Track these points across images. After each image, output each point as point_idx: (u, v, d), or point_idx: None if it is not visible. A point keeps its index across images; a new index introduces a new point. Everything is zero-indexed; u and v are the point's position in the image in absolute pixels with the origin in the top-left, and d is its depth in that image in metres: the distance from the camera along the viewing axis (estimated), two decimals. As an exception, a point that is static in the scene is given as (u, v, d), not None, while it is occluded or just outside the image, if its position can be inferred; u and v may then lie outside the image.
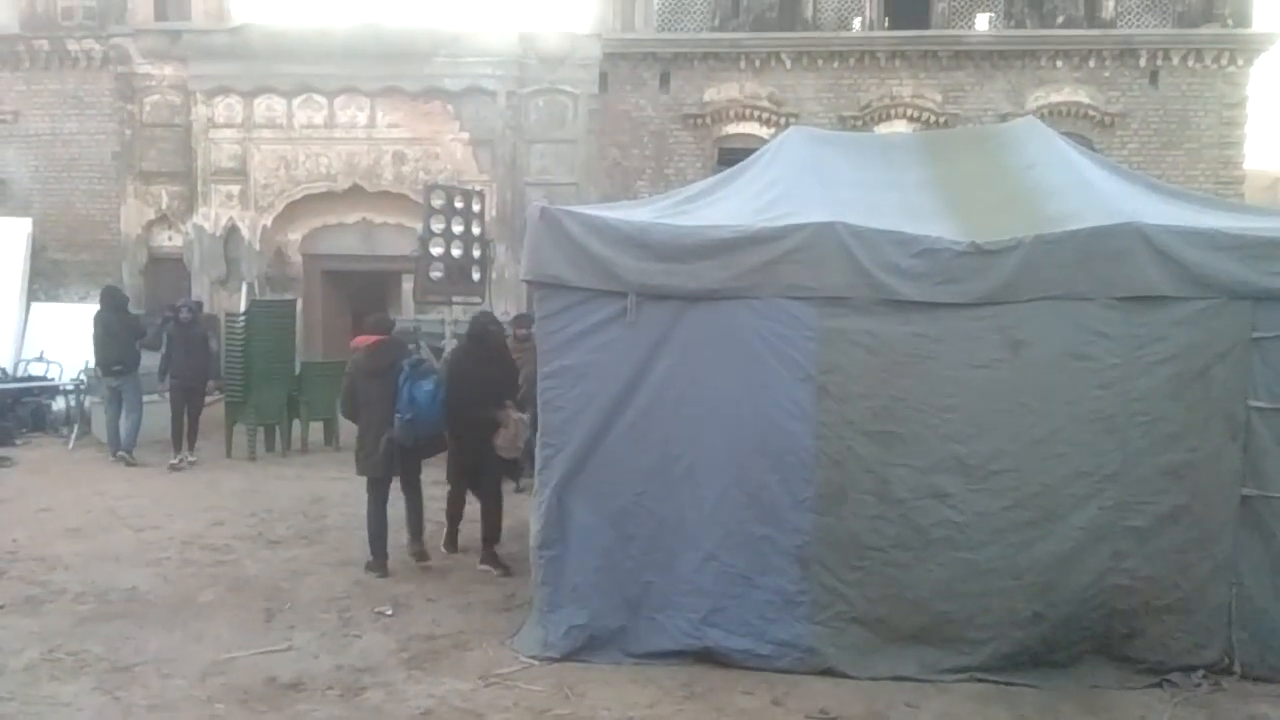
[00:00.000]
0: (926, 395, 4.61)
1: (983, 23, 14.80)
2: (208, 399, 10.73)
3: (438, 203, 10.21)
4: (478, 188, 12.55)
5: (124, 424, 10.17)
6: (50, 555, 6.61)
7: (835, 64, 14.73)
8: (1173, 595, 4.61)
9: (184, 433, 9.96)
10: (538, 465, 5.09)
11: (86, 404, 11.71)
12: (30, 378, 13.08)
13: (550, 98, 15.18)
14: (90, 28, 15.65)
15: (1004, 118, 13.50)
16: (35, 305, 15.19)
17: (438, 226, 10.10)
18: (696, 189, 6.09)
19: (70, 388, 12.23)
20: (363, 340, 6.66)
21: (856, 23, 14.96)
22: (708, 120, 14.93)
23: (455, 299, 10.72)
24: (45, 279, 15.61)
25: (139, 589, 5.92)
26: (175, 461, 9.74)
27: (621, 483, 4.88)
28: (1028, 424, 4.57)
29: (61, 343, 13.35)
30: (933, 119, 14.53)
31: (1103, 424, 4.55)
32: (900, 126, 14.47)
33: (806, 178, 5.47)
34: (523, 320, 8.56)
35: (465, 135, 15.18)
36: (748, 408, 4.78)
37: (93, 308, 13.22)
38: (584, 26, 15.23)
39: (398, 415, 6.22)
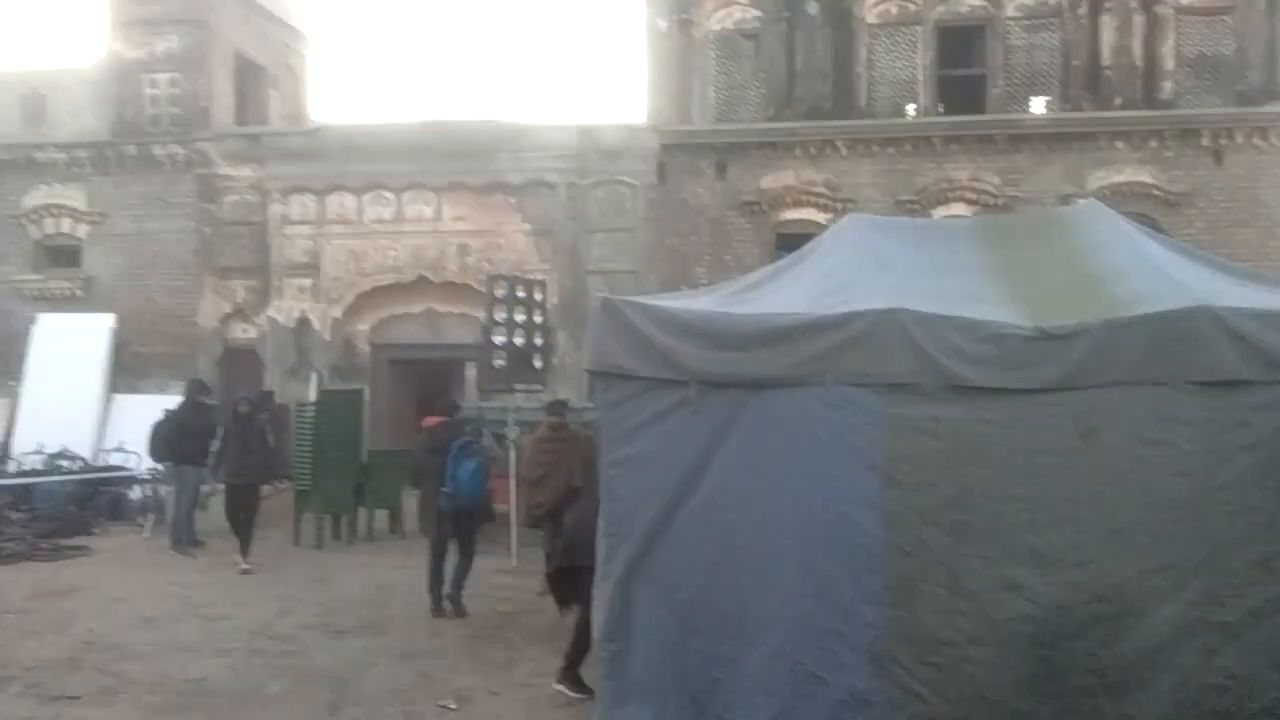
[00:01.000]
0: (997, 483, 4.50)
1: (1039, 106, 14.87)
2: (268, 492, 10.62)
3: (500, 292, 10.45)
4: (539, 277, 12.82)
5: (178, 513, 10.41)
6: (124, 645, 6.73)
7: (890, 150, 14.88)
8: (1270, 695, 4.35)
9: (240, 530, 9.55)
10: (601, 555, 5.07)
11: (162, 493, 12.02)
12: (109, 468, 13.51)
13: (609, 188, 15.56)
14: (175, 133, 16.57)
15: (1065, 199, 13.44)
16: (116, 397, 15.78)
17: (501, 316, 10.32)
18: (756, 277, 6.14)
19: (147, 478, 12.59)
20: (429, 421, 8.47)
21: (911, 109, 15.15)
22: (764, 207, 15.13)
23: (517, 387, 10.87)
24: (127, 372, 16.21)
25: (208, 680, 5.97)
26: (246, 567, 9.28)
27: (686, 574, 4.82)
28: (1104, 513, 4.42)
29: (140, 434, 13.82)
30: (991, 202, 14.52)
31: (1184, 513, 4.39)
32: (959, 210, 14.48)
33: (866, 264, 5.48)
34: (556, 409, 8.16)
35: (527, 226, 15.59)
36: (813, 497, 4.71)
37: (171, 399, 13.72)
38: (641, 119, 15.67)
39: (443, 488, 7.54)
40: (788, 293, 5.47)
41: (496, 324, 10.21)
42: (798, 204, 15.11)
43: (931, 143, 14.78)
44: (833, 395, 4.71)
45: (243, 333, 16.51)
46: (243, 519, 9.41)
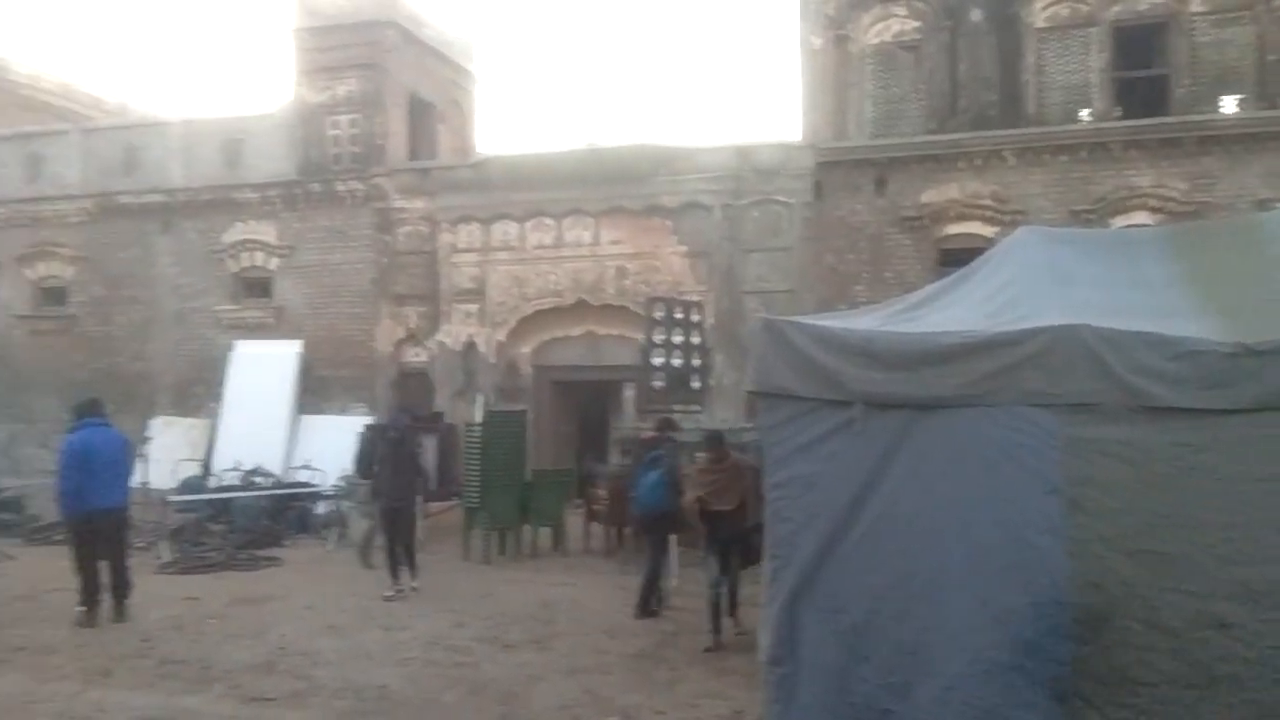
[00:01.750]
0: (1197, 511, 4.18)
1: (1230, 105, 13.80)
2: (428, 511, 10.81)
3: (659, 314, 10.60)
4: (696, 298, 12.90)
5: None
6: (313, 651, 7.16)
7: (1063, 158, 14.15)
8: None
9: (397, 559, 9.24)
10: (766, 578, 5.02)
11: (344, 509, 12.75)
12: (297, 484, 14.45)
13: (765, 208, 15.50)
14: (354, 170, 17.66)
15: (1262, 204, 12.42)
16: (303, 418, 16.91)
17: (659, 337, 10.46)
18: (921, 295, 5.97)
19: (331, 494, 13.39)
20: (646, 435, 9.43)
21: (1084, 114, 14.37)
22: (926, 222, 14.69)
23: (675, 407, 10.96)
24: (312, 394, 17.33)
25: (389, 688, 6.27)
26: (390, 594, 8.99)
27: (854, 599, 4.72)
28: (1323, 545, 4.04)
29: (324, 452, 14.76)
30: (1178, 209, 13.56)
31: None
32: (1141, 219, 13.60)
33: (1041, 278, 5.24)
34: (714, 441, 7.65)
35: (683, 248, 15.73)
36: (988, 522, 4.52)
37: (353, 420, 14.56)
38: (797, 138, 15.55)
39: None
40: (956, 310, 5.29)
41: (655, 345, 10.36)
42: (962, 218, 14.58)
43: (1109, 148, 13.96)
44: (1008, 416, 4.52)
45: (415, 356, 17.36)
46: (401, 542, 9.26)
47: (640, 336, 12.60)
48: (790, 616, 4.84)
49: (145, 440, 12.22)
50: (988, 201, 14.42)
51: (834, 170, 15.15)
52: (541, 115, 54.12)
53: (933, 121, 14.97)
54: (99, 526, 8.14)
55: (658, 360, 10.39)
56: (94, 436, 8.30)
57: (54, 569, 10.05)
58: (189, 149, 18.60)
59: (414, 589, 9.19)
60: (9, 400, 18.94)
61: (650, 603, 8.32)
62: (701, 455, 7.80)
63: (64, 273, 19.09)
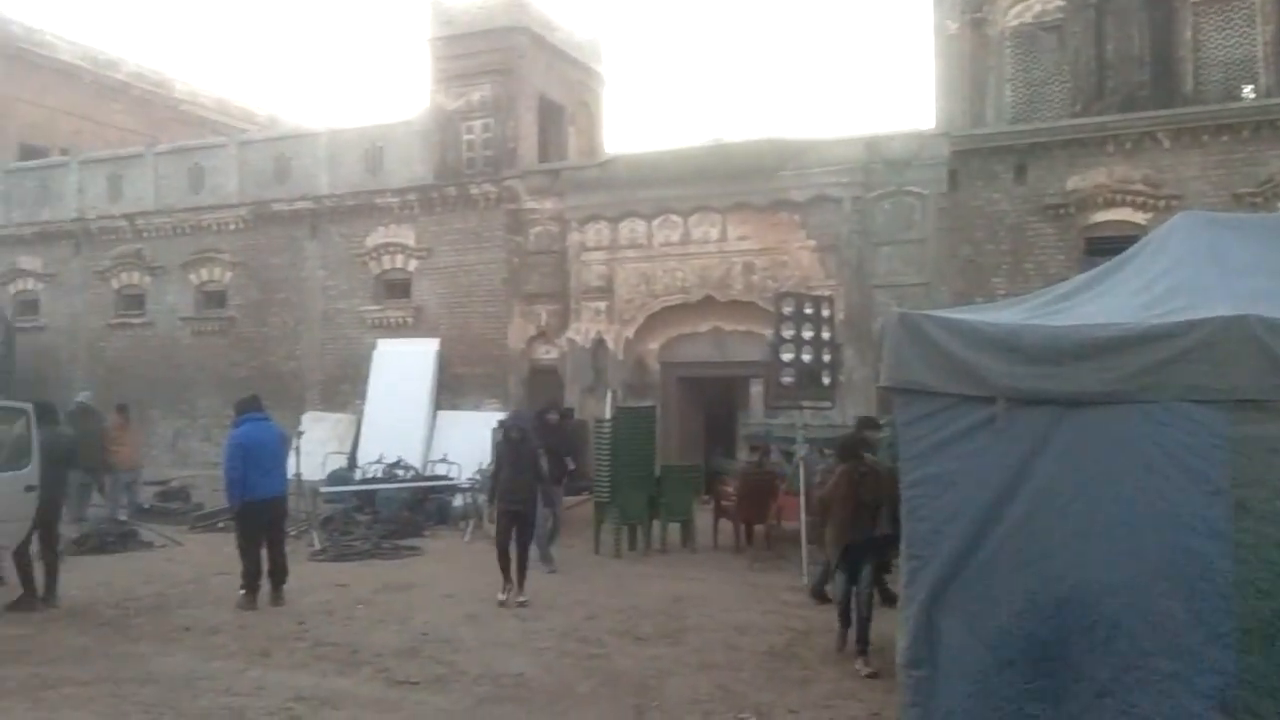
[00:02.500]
0: (1383, 515, 3.86)
1: None
2: (546, 515, 10.07)
3: (788, 310, 10.46)
4: (825, 293, 12.70)
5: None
6: (454, 638, 7.42)
7: (1224, 138, 13.25)
8: None
9: (510, 563, 8.77)
10: (903, 578, 4.91)
11: (480, 501, 13.14)
12: (435, 477, 14.99)
13: (897, 200, 15.12)
14: (487, 173, 18.17)
15: None
16: (440, 413, 17.53)
17: (788, 333, 10.32)
18: (1067, 286, 5.72)
19: (467, 486, 13.83)
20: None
21: (1248, 90, 13.41)
22: (1071, 210, 14.01)
23: (804, 403, 10.82)
24: (449, 390, 17.94)
25: (525, 675, 6.44)
26: (503, 598, 8.62)
27: (997, 601, 4.56)
28: None
29: (461, 446, 15.27)
30: (1359, 190, 12.51)
31: None
32: (1314, 201, 12.62)
33: (1203, 267, 4.93)
34: (852, 448, 7.19)
35: (812, 243, 15.51)
36: (1144, 524, 4.29)
37: (487, 416, 15.00)
38: (930, 126, 15.10)
39: None
40: (1108, 301, 5.05)
41: (784, 341, 10.22)
42: (1111, 204, 13.85)
43: (1276, 126, 13.00)
44: (1167, 413, 4.28)
45: (546, 354, 17.73)
46: (517, 546, 8.74)
47: (768, 332, 12.48)
48: (929, 618, 4.72)
49: (299, 434, 12.90)
50: (1139, 186, 13.64)
51: (970, 159, 14.63)
52: (668, 112, 54.31)
53: (1077, 104, 14.28)
54: (261, 514, 8.68)
55: (787, 356, 10.24)
56: (255, 430, 8.85)
57: (217, 554, 10.78)
58: (334, 157, 19.54)
59: (520, 603, 8.51)
60: (175, 397, 20.35)
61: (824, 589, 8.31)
62: (843, 466, 7.18)
63: (223, 277, 20.37)
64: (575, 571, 10.11)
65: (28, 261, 22.05)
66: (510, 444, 9.03)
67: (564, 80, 19.69)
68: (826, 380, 10.53)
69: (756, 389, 16.02)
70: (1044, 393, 4.53)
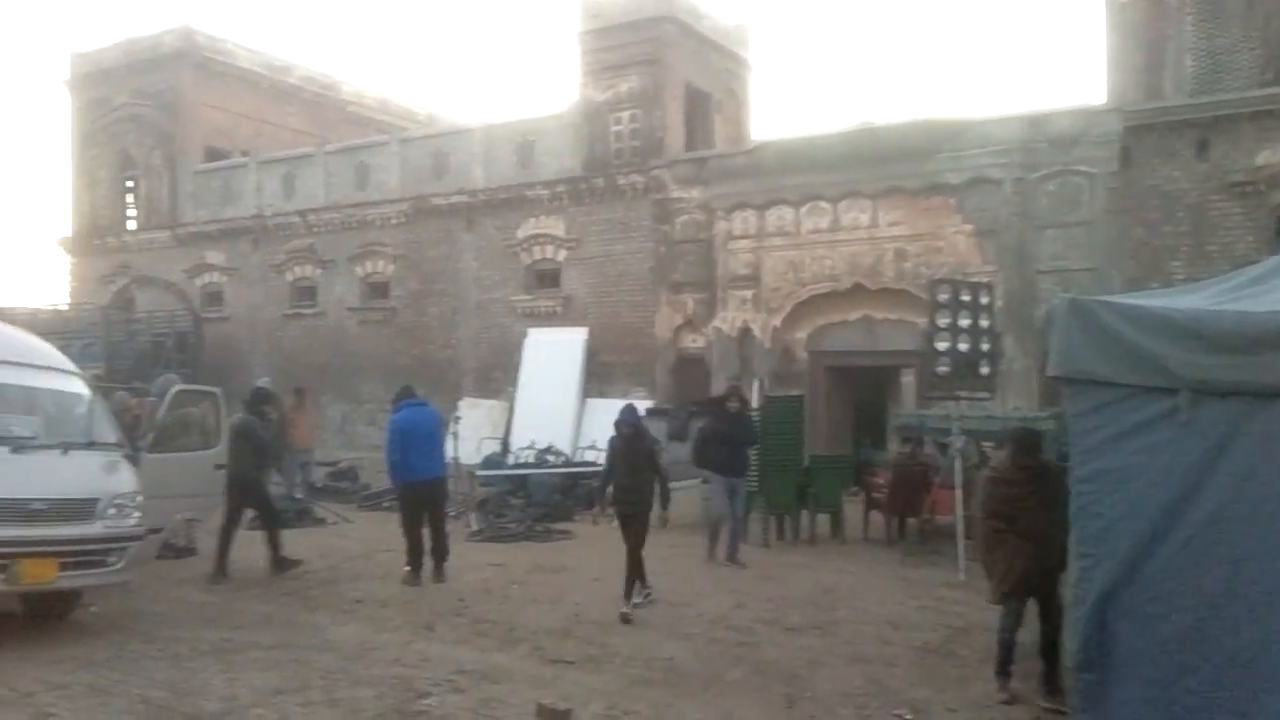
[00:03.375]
0: None
1: None
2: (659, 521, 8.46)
3: (943, 297, 10.09)
4: (984, 279, 12.22)
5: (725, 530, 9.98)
6: (604, 620, 7.57)
7: None
8: None
9: (634, 569, 7.93)
10: (1073, 577, 4.68)
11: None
12: (584, 463, 15.30)
13: (1062, 180, 14.37)
14: (635, 163, 18.37)
15: None
16: (588, 401, 17.88)
17: (943, 321, 9.96)
18: (1260, 269, 5.28)
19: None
20: None
21: None
22: (1261, 187, 12.96)
23: (960, 394, 10.43)
24: (596, 378, 18.29)
25: (675, 660, 6.51)
26: (626, 610, 7.63)
27: (1178, 604, 4.28)
28: None
29: (609, 433, 15.44)
30: None
31: None
32: None
33: None
34: (1024, 443, 5.93)
35: (968, 227, 14.94)
36: (1351, 528, 3.94)
37: (633, 403, 15.09)
38: (1100, 101, 14.25)
39: None
40: (1307, 284, 4.64)
41: (939, 329, 9.87)
42: (1306, 180, 12.73)
43: None
44: (1378, 406, 3.90)
45: (692, 342, 17.81)
46: (628, 553, 7.93)
47: (921, 321, 12.12)
48: (1101, 619, 4.48)
49: (456, 420, 13.43)
50: (1341, 160, 12.49)
51: (1145, 134, 13.74)
52: (816, 97, 53.30)
53: (1269, 72, 13.16)
54: (421, 495, 9.10)
55: (942, 345, 9.89)
56: (412, 415, 9.29)
57: (383, 532, 11.36)
58: (488, 151, 20.20)
59: (637, 604, 7.81)
60: (342, 383, 21.57)
61: None
62: (1001, 455, 6.43)
63: (386, 269, 21.42)
64: (723, 560, 10.12)
65: (213, 256, 23.82)
66: (624, 440, 8.13)
67: (711, 68, 19.66)
68: (985, 370, 10.11)
69: (908, 379, 15.60)
70: (1234, 383, 4.22)
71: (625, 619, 7.42)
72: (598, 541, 11.45)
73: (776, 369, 16.73)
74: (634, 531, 7.95)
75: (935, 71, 51.31)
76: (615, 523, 12.50)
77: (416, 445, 9.13)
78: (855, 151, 15.68)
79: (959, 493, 9.58)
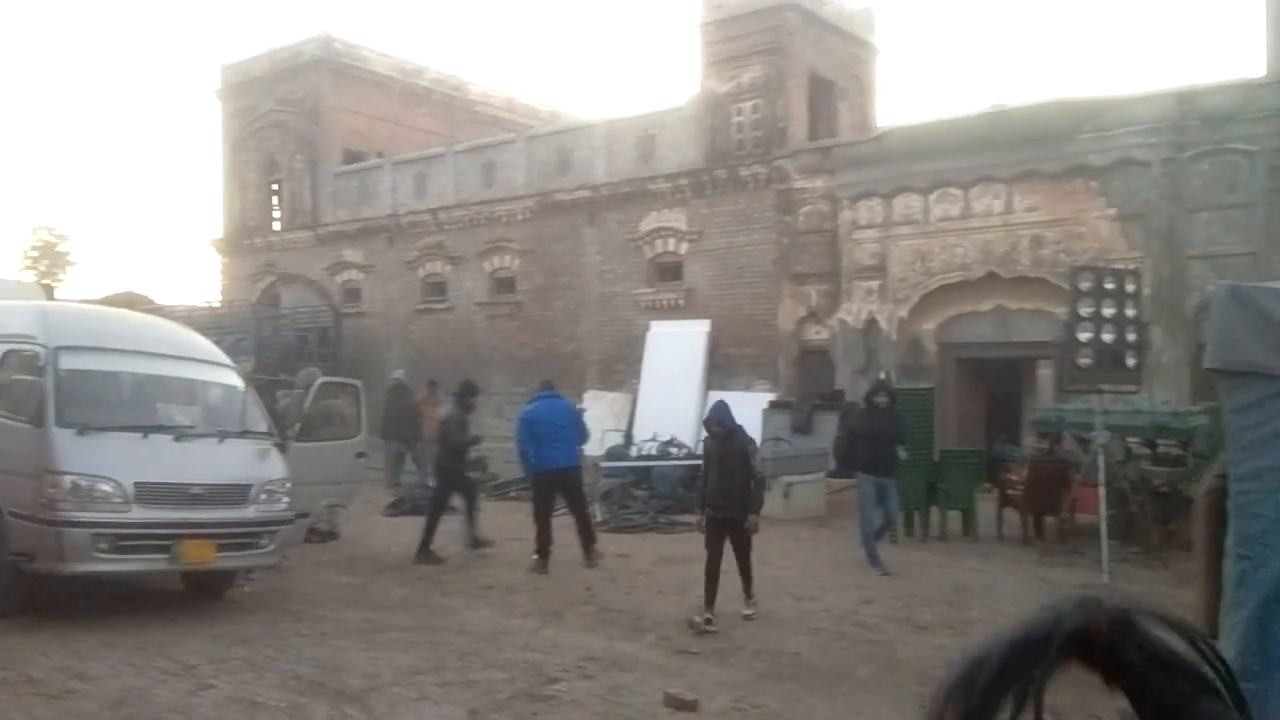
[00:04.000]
0: None
1: None
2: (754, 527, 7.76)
3: (1085, 285, 9.63)
4: (1130, 266, 11.59)
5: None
6: (730, 613, 7.55)
7: None
8: None
9: (717, 583, 7.35)
10: (1230, 580, 4.40)
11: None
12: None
13: (1217, 159, 13.47)
14: (757, 154, 18.19)
15: None
16: (711, 393, 17.85)
17: (1086, 310, 9.51)
18: None
19: (738, 465, 13.98)
20: None
21: None
22: None
23: (1104, 387, 9.93)
24: (719, 371, 18.23)
25: (802, 655, 6.45)
26: (698, 620, 7.09)
27: (1351, 613, 3.97)
28: None
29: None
30: None
31: None
32: None
33: None
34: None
35: (1112, 211, 14.19)
36: None
37: (756, 396, 15.08)
38: (1259, 73, 13.29)
39: None
40: None
41: (1081, 319, 9.43)
42: None
43: None
44: None
45: (816, 334, 17.54)
46: (738, 562, 7.45)
47: (1059, 310, 11.59)
48: (1261, 626, 4.20)
49: (581, 411, 13.65)
50: None
51: (1310, 108, 12.75)
52: (945, 79, 51.60)
53: None
54: (554, 483, 9.35)
55: (1084, 335, 9.43)
56: (543, 407, 9.52)
57: (511, 520, 11.63)
58: (610, 146, 20.39)
59: (746, 616, 7.35)
60: (470, 375, 22.00)
61: None
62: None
63: (512, 264, 21.91)
64: (849, 555, 9.95)
65: (351, 254, 24.89)
66: (716, 441, 7.54)
67: (834, 54, 19.28)
68: (1131, 362, 9.60)
69: (1044, 371, 14.93)
70: None
71: (696, 627, 6.89)
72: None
73: (904, 361, 16.30)
74: (728, 536, 7.38)
75: (1073, 48, 48.88)
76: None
77: (545, 436, 9.35)
78: (988, 135, 15.10)
79: (1102, 490, 9.14)
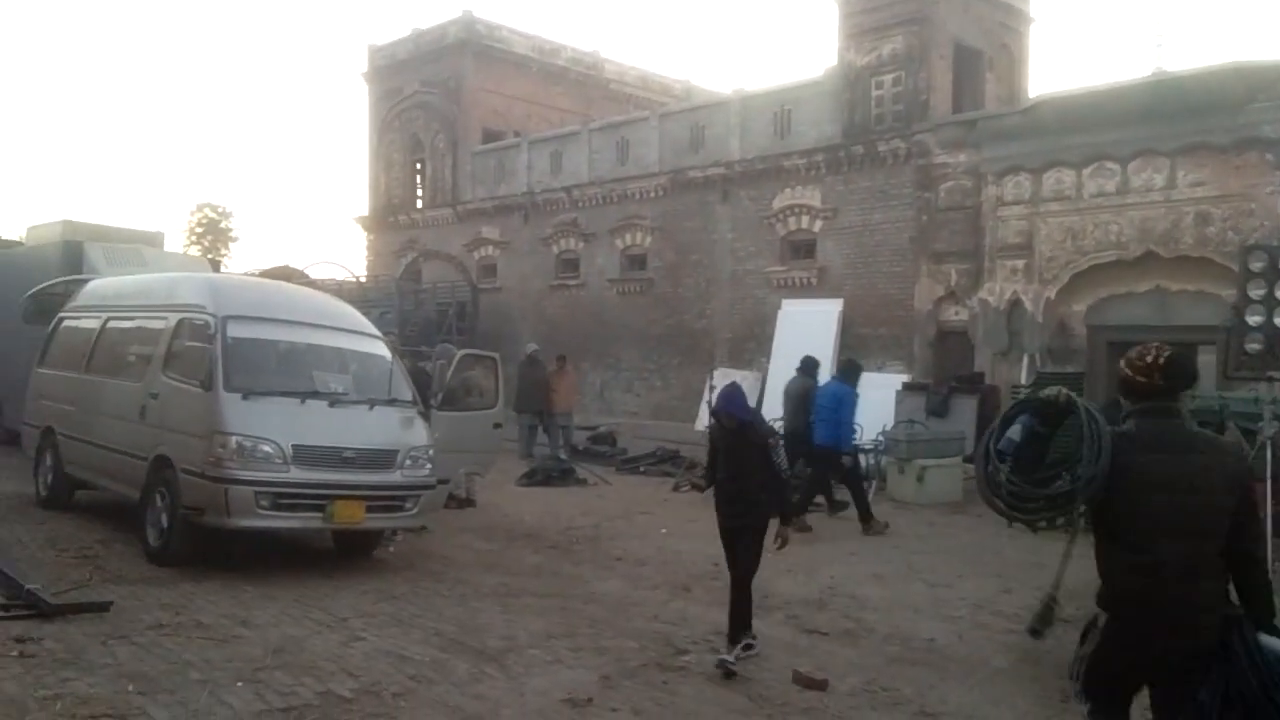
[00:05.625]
0: None
1: None
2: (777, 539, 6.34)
3: (1257, 265, 8.97)
4: (1310, 246, 10.70)
5: None
6: (860, 595, 7.47)
7: None
8: None
9: (738, 606, 5.92)
10: None
11: (883, 463, 13.02)
12: (837, 436, 15.05)
13: None
14: (897, 129, 17.67)
15: None
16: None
17: (1257, 292, 8.86)
18: None
19: (870, 447, 13.73)
20: None
21: None
22: None
23: (1273, 374, 9.24)
24: (851, 351, 17.80)
25: (937, 642, 6.30)
26: (728, 658, 5.57)
27: None
28: None
29: (862, 407, 15.12)
30: None
31: None
32: None
33: None
34: None
35: (1289, 186, 13.14)
36: None
37: (889, 378, 14.75)
38: None
39: None
40: None
41: (1252, 301, 8.79)
42: None
43: None
44: None
45: (954, 315, 16.97)
46: (733, 586, 5.98)
47: (1226, 292, 10.83)
48: None
49: (711, 389, 13.67)
50: None
51: None
52: (1104, 48, 48.64)
53: None
54: (814, 458, 10.61)
55: (1255, 319, 8.77)
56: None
57: (640, 495, 11.82)
58: (744, 122, 20.21)
59: (740, 656, 5.61)
60: (602, 351, 22.51)
61: None
62: None
63: (644, 241, 22.06)
64: (986, 542, 9.66)
65: (488, 231, 25.60)
66: (725, 434, 6.11)
67: (982, 22, 18.48)
68: (1307, 348, 8.89)
69: (1206, 357, 13.96)
70: None
71: (726, 670, 5.47)
72: (851, 516, 11.29)
73: (1050, 344, 15.58)
74: (742, 550, 5.97)
75: (1247, 9, 45.19)
76: (872, 493, 12.34)
77: (816, 412, 10.58)
78: (1150, 105, 14.18)
79: (1269, 485, 8.53)
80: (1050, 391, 3.48)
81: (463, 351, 9.89)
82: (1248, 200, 13.47)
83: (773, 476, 5.98)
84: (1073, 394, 3.45)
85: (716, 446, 6.32)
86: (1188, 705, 3.21)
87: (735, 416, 6.00)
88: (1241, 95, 13.37)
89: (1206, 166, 13.82)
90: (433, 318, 22.82)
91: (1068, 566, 3.62)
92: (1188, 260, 13.97)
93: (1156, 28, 46.87)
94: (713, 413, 6.46)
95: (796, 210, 19.21)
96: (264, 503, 7.03)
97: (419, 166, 28.09)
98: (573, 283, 23.47)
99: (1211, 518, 3.18)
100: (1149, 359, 3.29)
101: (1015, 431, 3.47)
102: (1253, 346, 8.79)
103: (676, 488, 12.86)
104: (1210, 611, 3.18)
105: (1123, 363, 3.40)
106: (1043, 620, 3.89)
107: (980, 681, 5.55)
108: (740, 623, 5.83)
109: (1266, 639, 3.15)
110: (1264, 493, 8.59)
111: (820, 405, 10.70)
